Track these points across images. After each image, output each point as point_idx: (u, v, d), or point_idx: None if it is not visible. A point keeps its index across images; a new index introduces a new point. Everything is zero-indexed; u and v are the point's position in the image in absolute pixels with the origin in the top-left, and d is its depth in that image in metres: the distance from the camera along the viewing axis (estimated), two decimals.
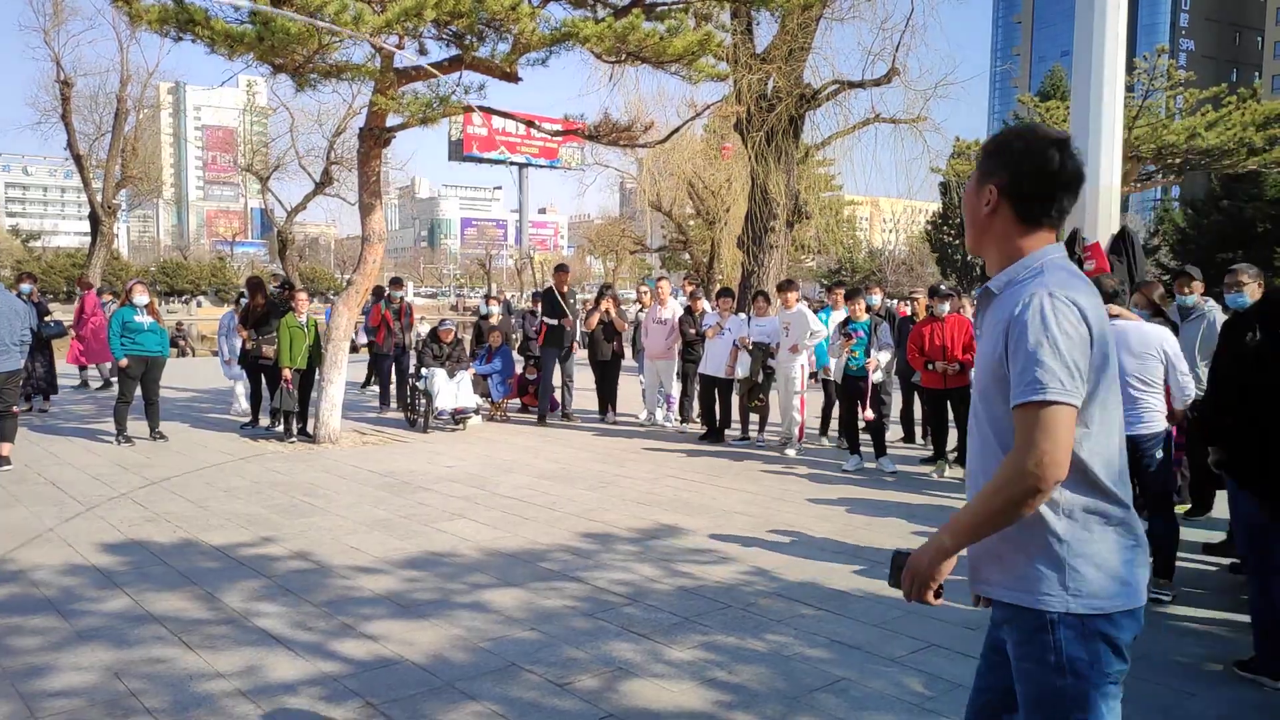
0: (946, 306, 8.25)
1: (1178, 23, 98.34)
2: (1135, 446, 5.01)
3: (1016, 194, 1.94)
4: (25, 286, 11.75)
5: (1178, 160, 23.56)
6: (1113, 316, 5.24)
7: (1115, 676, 1.89)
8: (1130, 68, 23.57)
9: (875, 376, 8.64)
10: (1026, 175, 1.92)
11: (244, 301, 10.85)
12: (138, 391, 9.60)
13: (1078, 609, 1.85)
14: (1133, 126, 21.47)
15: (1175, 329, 6.27)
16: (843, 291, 10.04)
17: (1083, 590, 1.85)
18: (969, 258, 52.45)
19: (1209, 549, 5.86)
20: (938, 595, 1.98)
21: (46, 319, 11.92)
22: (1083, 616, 1.85)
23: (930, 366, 8.11)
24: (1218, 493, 6.73)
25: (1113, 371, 1.91)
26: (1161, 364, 5.06)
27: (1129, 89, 23.57)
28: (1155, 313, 6.49)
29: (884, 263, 59.82)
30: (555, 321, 11.21)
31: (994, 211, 1.98)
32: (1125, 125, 20.33)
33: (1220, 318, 6.49)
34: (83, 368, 14.13)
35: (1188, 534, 6.17)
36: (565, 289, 11.59)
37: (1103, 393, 1.88)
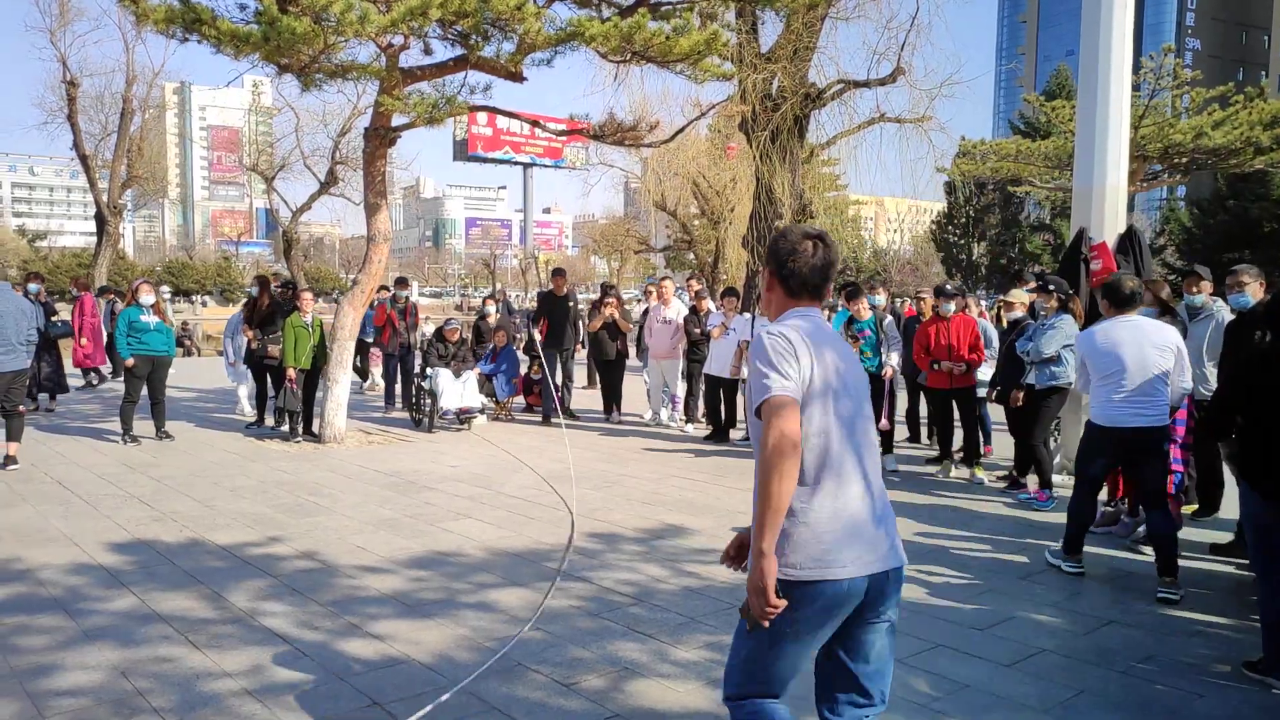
0: (952, 306, 8.23)
1: (1184, 22, 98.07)
2: (1146, 438, 5.12)
3: (781, 276, 2.58)
4: (33, 286, 11.81)
5: (1184, 160, 23.48)
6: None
7: (800, 633, 2.40)
8: (1136, 67, 23.50)
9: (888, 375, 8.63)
10: (786, 263, 2.56)
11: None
12: (144, 391, 9.62)
13: (784, 575, 2.34)
14: (1139, 126, 21.40)
15: (1184, 328, 6.25)
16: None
17: (791, 559, 2.36)
18: (975, 257, 52.42)
19: (1216, 549, 5.84)
20: (779, 594, 2.32)
21: (53, 319, 11.97)
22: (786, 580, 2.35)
23: (935, 366, 8.10)
24: (1224, 493, 6.71)
25: (817, 394, 2.41)
26: (1174, 360, 5.16)
27: (1135, 88, 23.50)
28: (1163, 310, 6.48)
29: (889, 262, 59.76)
30: (549, 357, 11.24)
31: (770, 288, 2.63)
32: (1131, 125, 20.28)
33: (1228, 318, 6.47)
34: (85, 370, 14.15)
35: (1196, 534, 6.16)
36: (563, 293, 11.60)
37: (809, 409, 2.40)
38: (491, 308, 12.93)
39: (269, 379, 10.37)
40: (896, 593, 2.57)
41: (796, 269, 2.56)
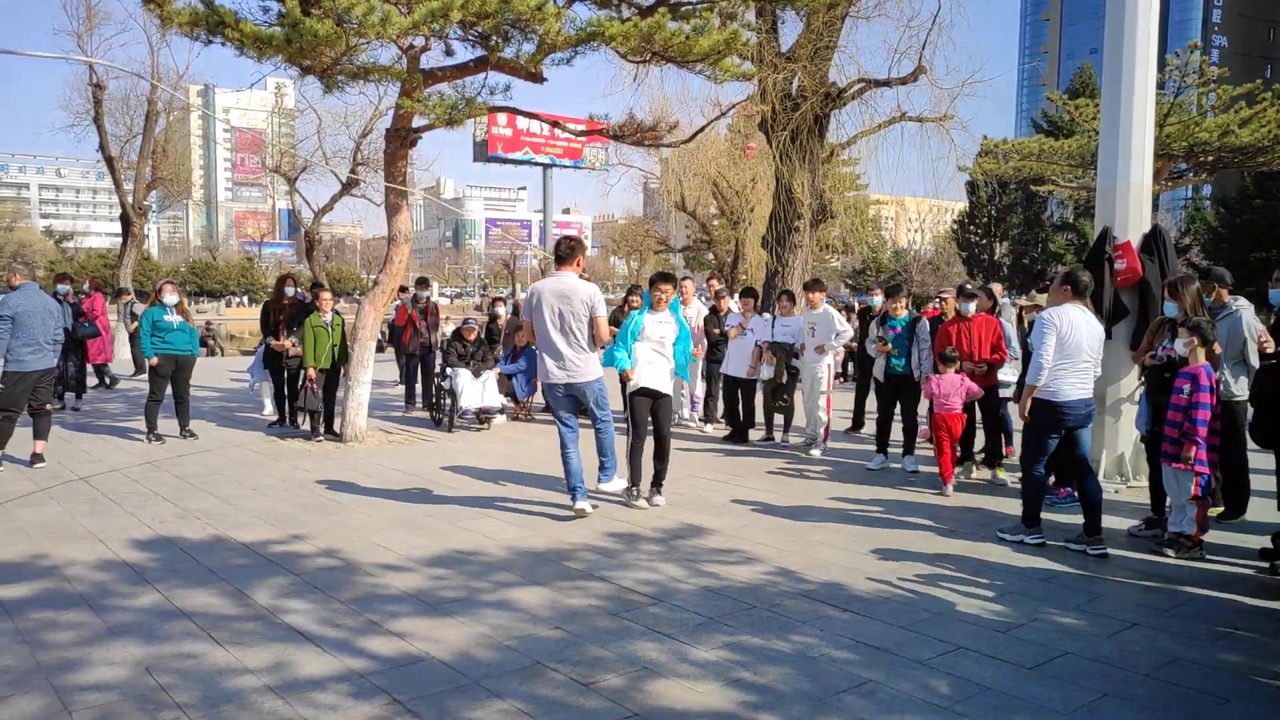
0: (973, 306, 8.17)
1: (1210, 19, 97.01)
2: (1089, 409, 6.00)
3: (555, 256, 6.67)
4: (62, 287, 11.95)
5: (1210, 158, 23.20)
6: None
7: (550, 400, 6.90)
8: (1161, 64, 23.25)
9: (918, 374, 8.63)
10: (556, 249, 6.68)
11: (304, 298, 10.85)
12: (168, 390, 9.72)
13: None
14: (1163, 124, 21.16)
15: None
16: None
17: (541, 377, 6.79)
18: (997, 257, 52.03)
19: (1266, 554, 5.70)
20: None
21: (80, 319, 12.11)
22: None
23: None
24: (1250, 496, 6.63)
25: (537, 312, 6.53)
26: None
27: (1160, 86, 23.22)
28: (1192, 312, 6.35)
29: (910, 262, 59.40)
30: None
31: (555, 265, 6.72)
32: (1156, 123, 20.01)
33: (1249, 316, 6.41)
34: (99, 367, 14.27)
35: (1223, 538, 6.08)
36: None
37: (535, 319, 6.55)
38: (501, 309, 12.94)
39: (287, 378, 10.47)
40: (581, 394, 6.53)
41: (558, 254, 6.55)
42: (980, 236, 52.70)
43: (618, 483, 6.89)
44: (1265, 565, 5.52)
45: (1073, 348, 5.84)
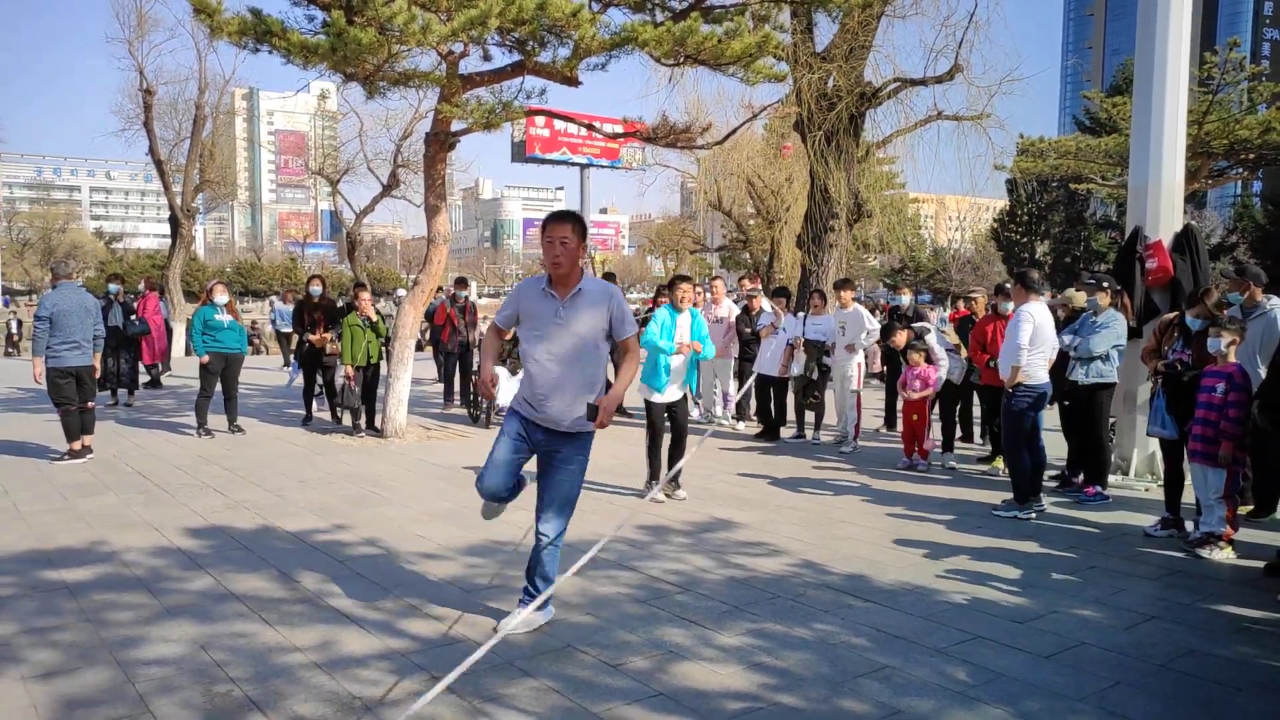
0: (1011, 305, 8.17)
1: (1262, 11, 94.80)
2: (1047, 392, 6.89)
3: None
4: (113, 287, 12.38)
5: (1251, 156, 22.81)
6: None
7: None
8: (1201, 61, 22.85)
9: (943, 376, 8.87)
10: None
11: (343, 301, 11.20)
12: (218, 387, 10.06)
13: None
14: (1203, 122, 20.84)
15: (1243, 329, 6.15)
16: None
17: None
18: (1038, 256, 51.36)
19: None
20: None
21: (132, 317, 12.54)
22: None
23: (991, 364, 8.09)
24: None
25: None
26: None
27: (1203, 83, 22.84)
28: (1211, 319, 6.36)
29: (949, 261, 58.85)
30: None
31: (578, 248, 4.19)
32: (1196, 120, 19.71)
33: None
34: (149, 366, 14.72)
35: (1252, 535, 6.10)
36: None
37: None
38: None
39: (323, 376, 10.81)
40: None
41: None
42: (1021, 235, 52.07)
43: (535, 617, 4.36)
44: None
45: (1043, 340, 6.78)
